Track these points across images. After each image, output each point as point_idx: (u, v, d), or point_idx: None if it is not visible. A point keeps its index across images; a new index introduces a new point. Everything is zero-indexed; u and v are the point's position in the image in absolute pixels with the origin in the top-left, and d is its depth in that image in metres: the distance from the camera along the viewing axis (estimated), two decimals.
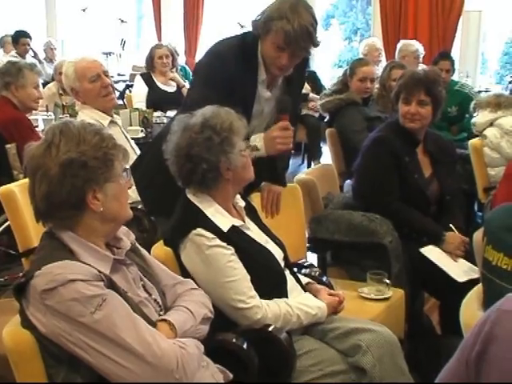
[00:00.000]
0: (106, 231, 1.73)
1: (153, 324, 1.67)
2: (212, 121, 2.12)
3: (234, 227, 2.13)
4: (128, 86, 7.49)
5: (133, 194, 2.62)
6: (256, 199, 2.77)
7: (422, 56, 5.83)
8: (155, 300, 1.80)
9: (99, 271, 1.60)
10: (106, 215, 1.69)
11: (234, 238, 2.11)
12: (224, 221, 2.13)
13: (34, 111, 4.69)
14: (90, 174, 1.64)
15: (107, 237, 1.75)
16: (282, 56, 2.53)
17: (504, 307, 1.23)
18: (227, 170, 2.14)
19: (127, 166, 1.76)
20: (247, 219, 2.29)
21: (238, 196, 2.30)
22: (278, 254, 2.27)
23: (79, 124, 1.70)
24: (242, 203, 2.30)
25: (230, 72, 2.56)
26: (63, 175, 1.62)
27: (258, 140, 2.59)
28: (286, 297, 2.17)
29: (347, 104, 4.36)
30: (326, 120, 4.84)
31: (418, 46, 5.88)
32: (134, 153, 3.45)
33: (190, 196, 2.18)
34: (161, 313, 1.79)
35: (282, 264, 2.27)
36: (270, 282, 2.16)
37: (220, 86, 2.52)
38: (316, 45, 2.59)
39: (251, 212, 2.36)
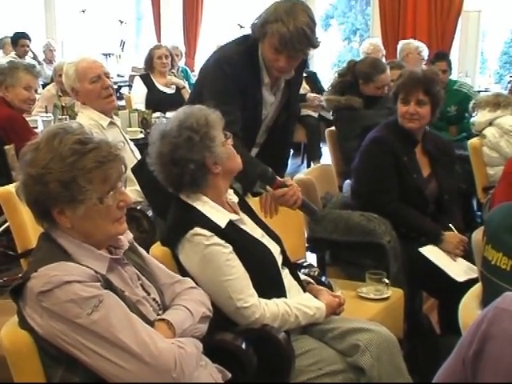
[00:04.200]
0: (91, 243, 1.68)
1: (150, 323, 1.67)
2: (187, 121, 2.09)
3: (231, 222, 2.12)
4: (126, 87, 7.49)
5: (132, 194, 2.61)
6: (254, 199, 2.76)
7: (424, 53, 5.79)
8: (154, 299, 1.79)
9: (96, 271, 1.60)
10: (80, 232, 1.65)
11: (232, 234, 2.10)
12: (220, 216, 2.12)
13: (33, 112, 4.71)
14: (50, 194, 1.59)
15: (96, 246, 1.69)
16: (280, 58, 2.53)
17: (501, 305, 1.23)
18: (215, 165, 2.12)
19: (124, 175, 1.72)
20: (242, 214, 2.28)
21: (231, 191, 2.28)
22: (274, 248, 2.26)
23: (68, 134, 1.62)
24: (235, 199, 2.28)
25: (243, 78, 2.55)
26: (28, 185, 1.62)
27: None
28: (284, 293, 2.16)
29: (345, 108, 4.25)
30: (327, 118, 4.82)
31: (418, 44, 5.87)
32: (133, 155, 3.44)
33: (183, 197, 2.17)
34: (159, 312, 1.78)
35: (280, 259, 2.26)
36: (265, 277, 2.14)
37: (237, 93, 2.51)
38: (315, 46, 2.58)
39: (244, 207, 2.34)
